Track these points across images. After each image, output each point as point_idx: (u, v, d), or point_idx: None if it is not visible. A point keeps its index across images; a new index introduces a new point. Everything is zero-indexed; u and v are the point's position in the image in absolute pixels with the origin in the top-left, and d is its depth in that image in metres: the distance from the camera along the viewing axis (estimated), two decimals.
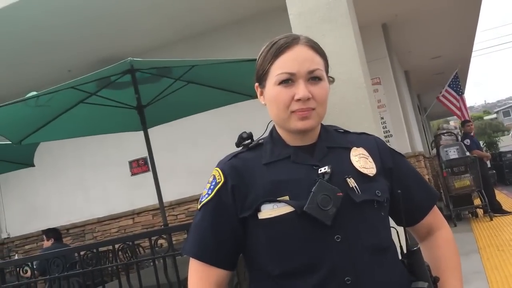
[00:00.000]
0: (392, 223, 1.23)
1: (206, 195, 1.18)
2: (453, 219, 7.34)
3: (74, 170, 7.64)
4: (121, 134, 5.26)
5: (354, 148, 1.20)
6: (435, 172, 9.40)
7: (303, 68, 1.13)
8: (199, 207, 1.20)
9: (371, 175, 1.15)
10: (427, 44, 9.77)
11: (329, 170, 1.10)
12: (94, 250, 3.17)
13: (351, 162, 1.16)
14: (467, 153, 7.78)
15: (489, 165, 11.15)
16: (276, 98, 1.15)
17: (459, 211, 7.78)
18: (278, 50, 1.15)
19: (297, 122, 1.13)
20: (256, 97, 1.26)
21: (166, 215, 4.78)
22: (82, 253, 3.21)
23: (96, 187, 7.49)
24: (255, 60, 1.25)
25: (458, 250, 1.29)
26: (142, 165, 7.17)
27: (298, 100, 1.12)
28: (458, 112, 11.25)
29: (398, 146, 6.76)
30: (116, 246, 3.23)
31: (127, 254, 5.55)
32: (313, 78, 1.14)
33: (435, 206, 1.30)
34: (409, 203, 1.22)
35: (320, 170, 1.11)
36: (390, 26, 7.82)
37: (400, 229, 1.24)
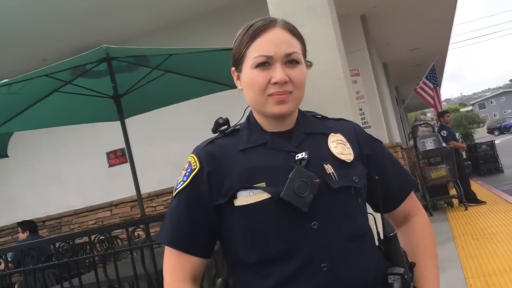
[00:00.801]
0: (369, 209, 1.23)
1: (182, 182, 1.16)
2: (429, 209, 7.46)
3: (49, 161, 7.50)
4: (99, 124, 5.17)
5: (332, 134, 1.18)
6: (412, 163, 9.54)
7: (280, 51, 1.11)
8: (174, 194, 1.17)
9: (349, 161, 1.14)
10: (405, 36, 9.87)
11: (306, 156, 1.09)
12: (70, 242, 3.12)
13: (329, 148, 1.15)
14: (443, 144, 7.90)
15: (464, 156, 11.36)
16: (252, 82, 1.13)
17: (435, 201, 7.91)
18: (254, 33, 1.13)
19: (273, 106, 1.11)
20: (234, 87, 1.24)
21: (145, 207, 4.74)
22: (57, 244, 3.15)
23: (73, 179, 7.37)
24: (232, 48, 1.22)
25: (434, 236, 1.29)
26: (120, 156, 7.09)
27: (275, 83, 1.10)
28: (434, 103, 11.43)
29: (376, 137, 6.82)
30: (93, 237, 3.19)
31: (104, 246, 5.48)
32: (290, 61, 1.12)
33: (412, 193, 1.30)
34: (386, 189, 1.22)
35: (297, 156, 1.10)
36: (369, 17, 7.86)
37: (377, 215, 1.24)
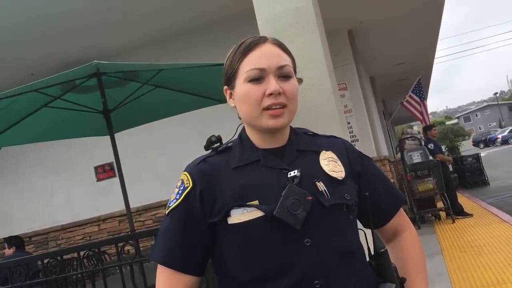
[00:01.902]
0: (359, 225, 1.25)
1: (174, 200, 1.16)
2: (417, 221, 7.50)
3: (36, 176, 7.43)
4: (86, 139, 5.16)
5: (323, 151, 1.20)
6: (400, 176, 9.60)
7: (272, 63, 1.13)
8: (167, 212, 1.18)
9: (340, 178, 1.16)
10: (391, 50, 10.02)
11: (299, 174, 1.11)
12: (58, 258, 3.08)
13: (320, 166, 1.17)
14: (430, 157, 7.98)
15: (451, 169, 11.46)
16: (246, 95, 1.14)
17: (423, 214, 7.96)
18: (246, 48, 1.16)
19: (268, 120, 1.13)
20: (224, 101, 1.26)
21: (133, 221, 4.70)
22: (45, 261, 3.12)
23: (60, 193, 7.30)
24: (223, 64, 1.24)
25: (423, 251, 1.32)
26: (108, 171, 7.05)
27: (270, 95, 1.11)
28: (420, 117, 11.56)
29: (364, 151, 6.80)
30: (82, 253, 3.16)
31: (92, 262, 5.41)
32: (283, 75, 1.14)
33: (401, 209, 1.32)
34: (376, 206, 1.24)
35: (290, 174, 1.11)
36: (356, 32, 7.98)
37: (368, 231, 1.26)
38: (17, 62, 6.41)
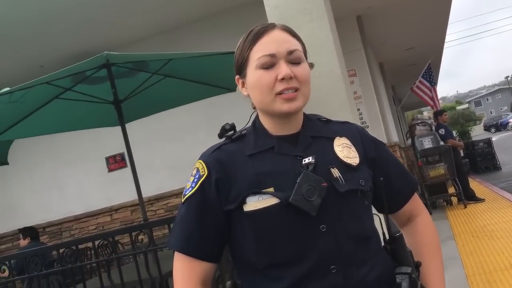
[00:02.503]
0: (374, 210, 1.25)
1: (190, 188, 1.17)
2: (428, 207, 7.49)
3: (49, 167, 7.50)
4: (97, 129, 5.18)
5: (337, 137, 1.20)
6: (410, 162, 9.56)
7: (282, 49, 1.13)
8: (183, 200, 1.19)
9: (355, 164, 1.16)
10: (401, 35, 9.92)
11: (313, 160, 1.11)
12: (74, 247, 3.13)
13: (335, 152, 1.17)
14: (441, 143, 7.93)
15: (462, 154, 11.40)
16: (258, 81, 1.14)
17: (434, 200, 7.95)
18: (255, 36, 1.16)
19: (282, 104, 1.13)
20: (233, 90, 1.26)
21: (146, 211, 4.74)
22: (61, 250, 3.17)
23: (73, 184, 7.38)
24: (232, 53, 1.24)
25: (437, 235, 1.32)
26: (119, 161, 7.10)
27: (282, 80, 1.11)
28: (431, 102, 11.46)
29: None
30: (96, 242, 3.20)
31: (107, 251, 5.49)
32: (293, 59, 1.14)
33: (415, 193, 1.32)
34: (390, 191, 1.24)
35: (304, 161, 1.12)
36: (365, 18, 7.90)
37: (382, 216, 1.26)
38: (27, 54, 6.45)
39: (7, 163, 5.59)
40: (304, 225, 1.08)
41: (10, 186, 7.73)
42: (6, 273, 3.46)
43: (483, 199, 7.68)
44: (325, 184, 1.09)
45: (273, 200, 1.08)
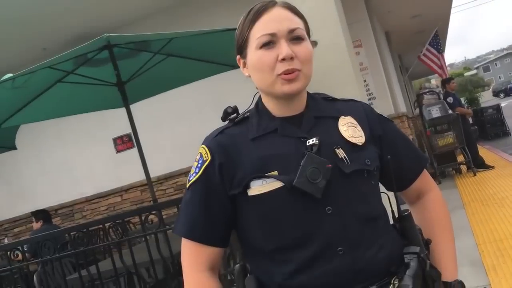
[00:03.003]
0: (382, 188, 1.23)
1: (194, 174, 1.16)
2: (437, 176, 7.47)
3: (58, 150, 7.54)
4: (104, 111, 5.18)
5: (342, 117, 1.18)
6: (419, 132, 9.50)
7: (283, 27, 1.10)
8: (187, 185, 1.18)
9: (360, 144, 1.14)
10: (407, 2, 9.70)
11: (317, 141, 1.09)
12: (85, 230, 3.16)
13: (340, 132, 1.14)
14: (449, 111, 7.85)
15: (471, 122, 11.30)
16: (259, 62, 1.11)
17: (443, 169, 7.91)
18: (255, 15, 1.13)
19: (283, 86, 1.10)
20: (237, 67, 1.23)
21: (155, 190, 4.77)
22: (72, 233, 3.20)
23: (82, 166, 7.42)
24: (234, 29, 1.21)
25: (448, 210, 1.30)
26: (127, 142, 7.11)
27: (283, 60, 1.08)
28: (439, 70, 11.30)
29: (382, 108, 6.79)
30: (107, 224, 3.23)
31: (118, 232, 5.55)
32: (295, 38, 1.11)
33: (425, 170, 1.30)
34: (399, 168, 1.22)
35: (308, 142, 1.09)
36: None
37: (391, 194, 1.24)
38: (29, 37, 6.39)
39: (15, 148, 5.63)
40: (310, 207, 1.07)
41: (21, 170, 7.80)
42: (20, 257, 3.52)
43: (493, 167, 7.63)
44: (330, 165, 1.07)
45: (277, 184, 1.07)
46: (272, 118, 1.16)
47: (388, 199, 1.23)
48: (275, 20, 1.11)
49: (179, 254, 1.19)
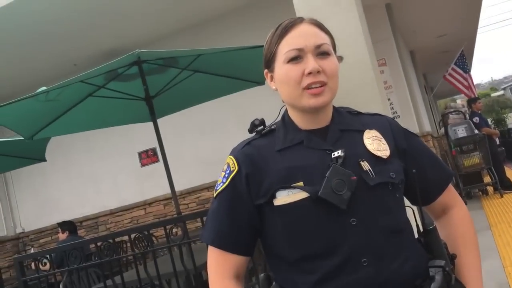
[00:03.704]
0: (407, 202, 1.24)
1: (221, 183, 1.19)
2: (463, 197, 7.34)
3: (84, 163, 7.70)
4: (129, 125, 5.29)
5: (367, 130, 1.20)
6: (444, 152, 9.37)
7: (310, 43, 1.14)
8: (215, 195, 1.21)
9: (385, 157, 1.16)
10: (432, 22, 9.67)
11: (343, 154, 1.11)
12: (111, 241, 3.22)
13: (365, 145, 1.17)
14: (476, 131, 7.74)
15: (498, 142, 11.10)
16: (286, 76, 1.15)
17: (469, 189, 7.77)
18: (283, 30, 1.17)
19: (309, 99, 1.13)
20: (262, 83, 1.27)
21: (178, 204, 4.81)
22: (98, 244, 3.26)
23: (107, 179, 7.55)
24: (260, 46, 1.26)
25: (474, 227, 1.30)
26: (151, 156, 7.22)
27: (309, 74, 1.12)
28: (466, 90, 11.17)
29: (406, 127, 6.70)
30: (132, 236, 3.28)
31: (142, 244, 5.61)
32: (321, 53, 1.14)
33: (450, 185, 1.30)
34: (424, 183, 1.23)
35: (334, 155, 1.12)
36: (394, 5, 7.74)
37: (416, 208, 1.25)
38: (60, 53, 6.60)
39: (44, 160, 5.77)
40: (334, 218, 1.09)
41: (49, 182, 7.98)
42: (47, 266, 3.59)
43: None
44: (355, 177, 1.09)
45: (302, 195, 1.09)
46: (298, 131, 1.19)
47: (413, 212, 1.25)
48: (302, 36, 1.15)
49: (202, 266, 1.23)
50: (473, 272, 1.22)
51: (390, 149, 1.18)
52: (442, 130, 8.85)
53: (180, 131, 6.79)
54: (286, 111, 1.25)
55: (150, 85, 4.00)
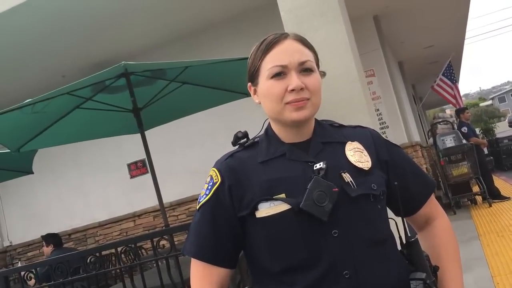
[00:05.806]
0: (390, 214, 1.25)
1: (204, 196, 1.20)
2: (452, 207, 7.37)
3: (73, 175, 7.64)
4: (119, 137, 5.26)
5: (349, 142, 1.21)
6: (433, 161, 9.43)
7: (293, 60, 1.15)
8: (197, 207, 1.22)
9: (366, 169, 1.17)
10: (420, 33, 9.79)
11: (324, 166, 1.12)
12: (97, 254, 3.19)
13: (346, 157, 1.17)
14: (464, 141, 7.80)
15: (486, 152, 11.19)
16: (269, 91, 1.16)
17: (458, 199, 7.81)
18: (267, 46, 1.18)
19: (292, 113, 1.14)
20: (250, 95, 1.28)
21: (167, 216, 4.78)
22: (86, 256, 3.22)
23: (96, 191, 7.49)
24: (247, 58, 1.26)
25: (456, 238, 1.30)
26: (141, 167, 7.18)
27: (292, 91, 1.13)
28: (453, 100, 11.28)
29: (395, 137, 6.78)
30: (119, 249, 3.25)
31: (129, 257, 5.56)
32: (304, 70, 1.15)
33: (433, 196, 1.31)
34: (406, 194, 1.24)
35: (316, 166, 1.13)
36: (382, 17, 7.83)
37: (399, 220, 1.25)
38: (49, 65, 6.57)
39: (32, 172, 5.72)
40: (316, 230, 1.09)
41: (36, 194, 7.89)
42: (32, 282, 3.53)
43: (509, 198, 7.53)
44: (336, 189, 1.10)
45: (284, 206, 1.10)
46: (281, 143, 1.20)
47: (396, 224, 1.25)
48: (286, 52, 1.15)
49: (189, 279, 1.22)
50: (454, 284, 1.22)
51: (371, 160, 1.19)
52: (431, 140, 8.91)
53: (170, 142, 6.77)
54: (269, 124, 1.26)
55: (138, 96, 3.99)
